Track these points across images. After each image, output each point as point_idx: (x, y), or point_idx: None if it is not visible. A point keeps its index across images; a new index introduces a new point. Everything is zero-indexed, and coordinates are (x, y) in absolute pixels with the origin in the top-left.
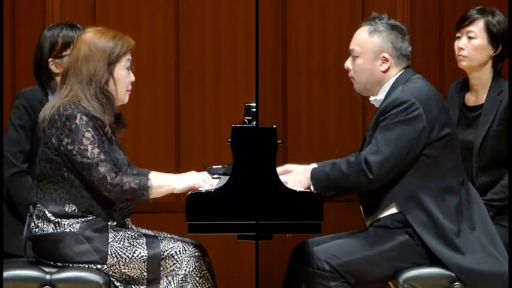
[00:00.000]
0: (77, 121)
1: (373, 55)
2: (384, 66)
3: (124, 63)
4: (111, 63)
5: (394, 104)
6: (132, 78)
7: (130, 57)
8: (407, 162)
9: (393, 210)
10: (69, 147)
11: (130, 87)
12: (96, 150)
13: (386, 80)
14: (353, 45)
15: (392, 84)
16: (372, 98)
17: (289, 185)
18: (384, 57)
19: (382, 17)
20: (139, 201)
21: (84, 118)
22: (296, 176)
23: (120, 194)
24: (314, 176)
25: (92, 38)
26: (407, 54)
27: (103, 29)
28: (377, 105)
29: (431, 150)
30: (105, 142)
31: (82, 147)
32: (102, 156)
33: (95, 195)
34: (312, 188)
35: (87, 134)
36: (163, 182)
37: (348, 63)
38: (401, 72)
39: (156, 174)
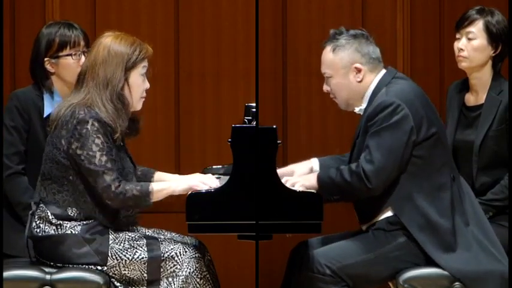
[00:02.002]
0: (88, 126)
1: (345, 70)
2: (359, 76)
3: (140, 69)
4: (128, 69)
5: (379, 108)
6: (147, 85)
7: (146, 65)
8: (402, 165)
9: (388, 213)
10: (78, 151)
11: (144, 95)
12: (104, 158)
13: (365, 89)
14: (323, 69)
15: (375, 89)
16: (356, 109)
17: (299, 184)
18: (355, 68)
19: (341, 31)
20: (142, 207)
21: (96, 124)
22: (306, 177)
23: (123, 202)
24: (321, 179)
25: (110, 42)
26: (377, 57)
27: (122, 34)
28: (362, 113)
29: (420, 151)
30: (113, 149)
31: (91, 153)
32: (109, 165)
33: (98, 202)
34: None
35: (97, 141)
36: (163, 186)
37: (325, 87)
38: (382, 75)
39: (161, 174)
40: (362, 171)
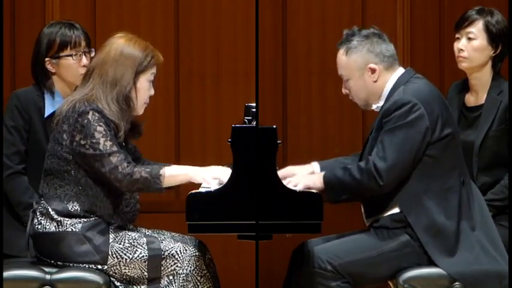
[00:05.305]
0: (89, 116)
1: (360, 72)
2: (375, 76)
3: (148, 76)
4: (138, 73)
5: (396, 105)
6: (152, 92)
7: (155, 72)
8: (414, 164)
9: (394, 210)
10: (82, 142)
11: (148, 101)
12: (109, 143)
13: (382, 87)
14: (340, 71)
15: (392, 87)
16: (374, 106)
17: (301, 185)
18: (370, 68)
19: (353, 32)
20: (153, 191)
21: (97, 114)
22: (310, 177)
23: (132, 184)
24: (327, 180)
25: (124, 44)
26: (391, 55)
27: (135, 38)
28: (378, 110)
29: (433, 151)
30: (116, 139)
31: (94, 141)
32: (114, 148)
33: (99, 196)
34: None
35: (99, 128)
36: (179, 171)
37: (344, 89)
38: (400, 73)
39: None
40: (373, 168)
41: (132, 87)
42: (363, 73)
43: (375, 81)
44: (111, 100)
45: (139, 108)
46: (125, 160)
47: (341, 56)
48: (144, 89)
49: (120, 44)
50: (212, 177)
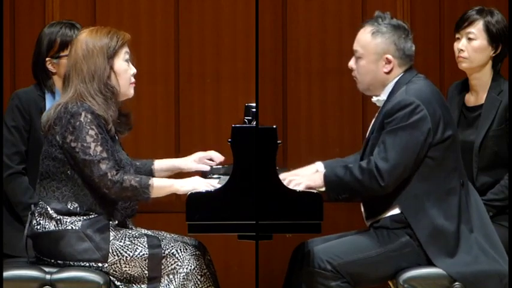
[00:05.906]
0: (81, 118)
1: (376, 56)
2: (387, 68)
3: (122, 55)
4: (110, 57)
5: (398, 106)
6: (134, 70)
7: (128, 50)
8: (416, 165)
9: (395, 211)
10: (73, 144)
11: (133, 80)
12: (99, 148)
13: (389, 80)
14: (356, 46)
15: (395, 85)
16: (374, 99)
17: (303, 184)
18: (387, 58)
19: (385, 17)
20: (140, 200)
21: (89, 116)
22: (311, 176)
23: (121, 192)
24: (327, 178)
25: (87, 37)
26: (410, 55)
27: (97, 28)
28: (379, 104)
29: (435, 152)
30: (108, 141)
31: (85, 145)
32: (104, 154)
33: (97, 194)
34: (323, 189)
35: (91, 132)
36: (165, 183)
37: (352, 63)
38: (404, 72)
39: (161, 162)
40: (375, 169)
41: (110, 72)
42: (378, 59)
43: (386, 72)
44: (94, 93)
45: (127, 90)
46: (114, 167)
47: (365, 33)
48: (123, 71)
49: (84, 38)
50: (194, 189)
